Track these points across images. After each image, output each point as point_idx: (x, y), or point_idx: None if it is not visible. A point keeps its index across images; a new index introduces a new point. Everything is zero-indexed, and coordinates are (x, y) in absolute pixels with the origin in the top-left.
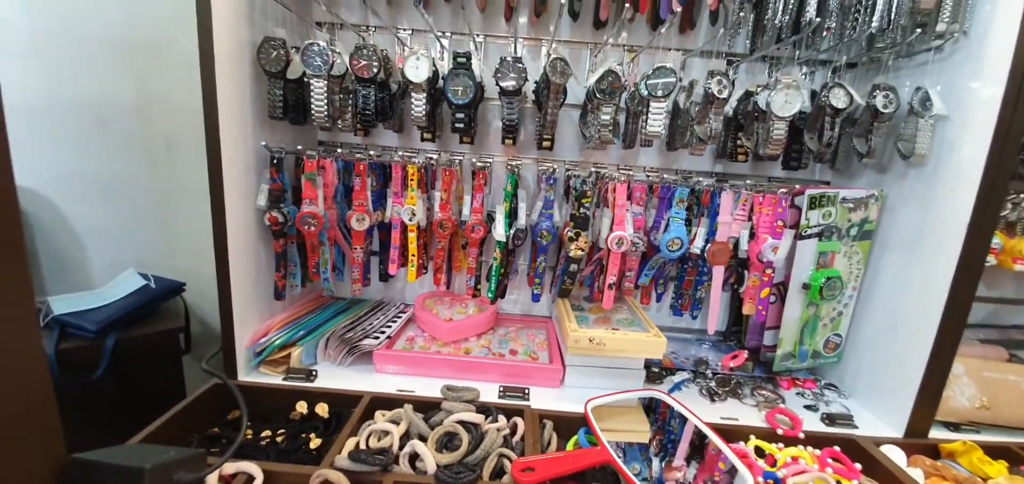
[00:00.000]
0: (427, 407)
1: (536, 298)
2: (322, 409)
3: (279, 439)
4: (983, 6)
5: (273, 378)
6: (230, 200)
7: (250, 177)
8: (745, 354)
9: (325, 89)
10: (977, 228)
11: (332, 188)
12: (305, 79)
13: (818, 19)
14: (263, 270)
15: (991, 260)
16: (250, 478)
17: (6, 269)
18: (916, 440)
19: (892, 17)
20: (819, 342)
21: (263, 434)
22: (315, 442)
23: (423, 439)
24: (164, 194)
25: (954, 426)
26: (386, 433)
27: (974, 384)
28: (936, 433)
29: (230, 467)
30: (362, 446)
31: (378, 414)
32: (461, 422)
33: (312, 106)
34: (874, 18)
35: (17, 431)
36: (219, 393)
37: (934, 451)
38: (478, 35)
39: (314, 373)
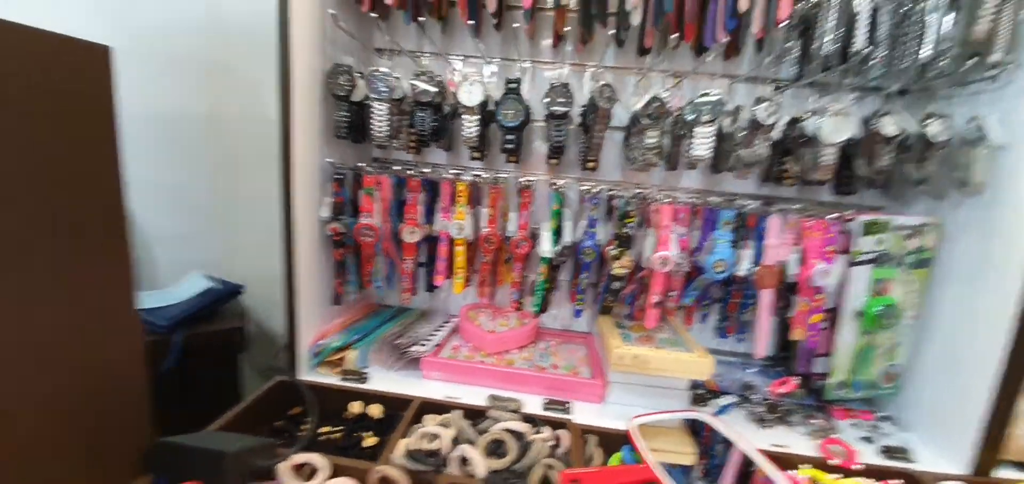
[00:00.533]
0: (473, 415)
1: (578, 314)
2: (375, 409)
3: (335, 436)
4: None
5: (329, 378)
6: (298, 211)
7: (314, 191)
8: (795, 381)
9: (387, 111)
10: None
11: (387, 203)
12: (366, 102)
13: (868, 49)
14: (324, 277)
15: None
16: (314, 469)
17: (117, 273)
18: (980, 479)
19: (943, 47)
20: (875, 372)
21: (322, 430)
22: (370, 440)
23: (470, 444)
24: (227, 204)
25: (1021, 465)
26: (436, 436)
27: None
28: (1003, 472)
29: (298, 458)
30: (413, 447)
31: (427, 418)
32: (508, 430)
33: (373, 126)
34: (925, 48)
35: (117, 413)
36: (282, 389)
37: None
38: (526, 61)
39: (367, 376)
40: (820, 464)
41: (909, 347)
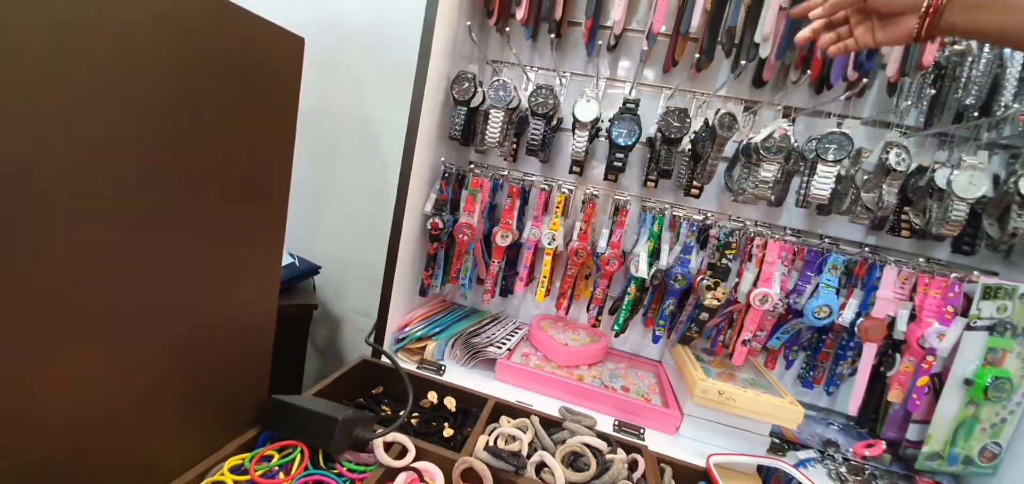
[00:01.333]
0: (546, 424)
1: (656, 339)
2: (450, 402)
3: (413, 420)
4: None
5: (409, 364)
6: (409, 203)
7: (423, 186)
8: (883, 445)
9: (501, 119)
10: None
11: (484, 205)
12: (481, 108)
13: (1016, 106)
14: (416, 268)
15: None
16: (404, 450)
17: (272, 238)
18: None
19: None
20: (974, 448)
21: (400, 413)
22: (448, 431)
23: (549, 453)
24: (317, 191)
25: None
26: (514, 438)
27: None
28: None
29: (390, 437)
30: (491, 445)
31: (503, 419)
32: (586, 445)
33: (487, 132)
34: None
35: (245, 367)
36: (366, 367)
37: None
38: (635, 83)
39: (443, 367)
40: None
41: (1015, 425)
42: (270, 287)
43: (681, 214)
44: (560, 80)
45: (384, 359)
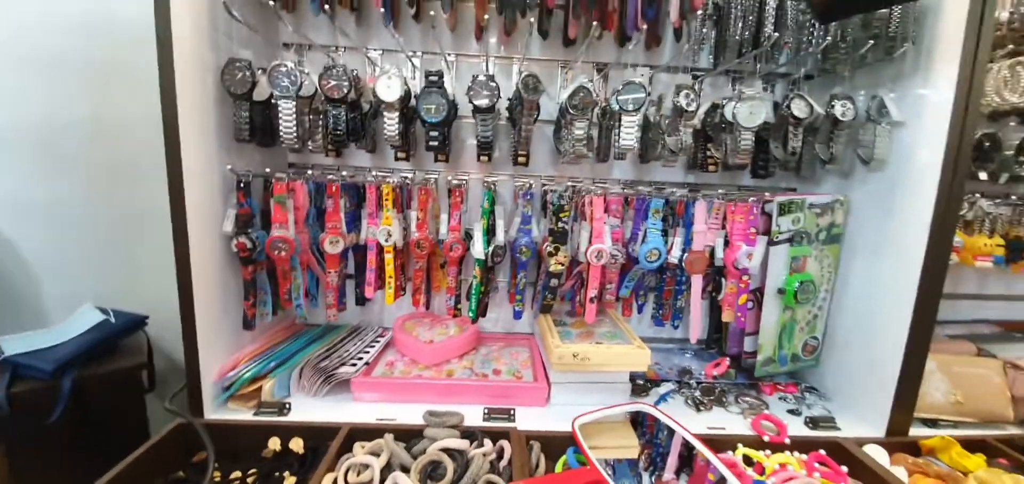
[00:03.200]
0: (409, 435)
1: (518, 315)
2: (297, 444)
3: (249, 480)
4: (928, 17)
5: (243, 414)
6: (194, 226)
7: (216, 202)
8: (727, 361)
9: (294, 110)
10: (939, 228)
11: (304, 211)
12: (273, 101)
13: (776, 34)
14: (231, 299)
15: (953, 258)
16: None
17: None
18: (897, 438)
19: (844, 31)
20: (797, 346)
21: (232, 476)
22: (289, 481)
23: (405, 470)
24: (124, 222)
25: (932, 422)
26: (366, 466)
27: (946, 379)
28: (915, 431)
29: None
30: (340, 482)
31: (357, 447)
32: (445, 449)
33: (281, 128)
34: (828, 33)
35: None
36: (184, 433)
37: (915, 448)
38: (449, 54)
39: (288, 406)
40: (755, 442)
41: (825, 319)
42: None
43: (517, 185)
44: (367, 59)
45: (180, 419)
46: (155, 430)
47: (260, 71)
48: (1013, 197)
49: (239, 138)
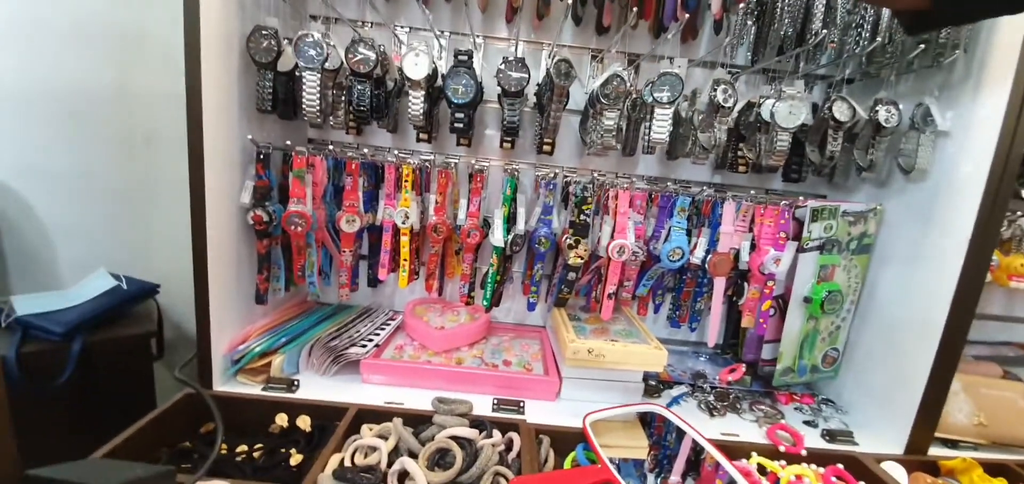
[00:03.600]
0: (418, 421)
1: (532, 307)
2: (304, 422)
3: (256, 455)
4: (983, 27)
5: (251, 388)
6: (211, 196)
7: (234, 173)
8: (743, 368)
9: (318, 83)
10: (978, 245)
11: (322, 187)
12: (297, 72)
13: (825, 32)
14: (245, 272)
15: (987, 277)
16: None
17: None
18: (916, 457)
19: (892, 34)
20: (817, 356)
21: (239, 449)
22: (296, 458)
23: (413, 456)
24: (141, 190)
25: (952, 443)
26: (374, 449)
27: (971, 401)
28: (935, 450)
29: None
30: (347, 463)
31: (365, 428)
32: (454, 437)
33: (303, 100)
34: (876, 35)
35: None
36: (192, 404)
37: (934, 468)
38: (479, 35)
39: (296, 383)
40: (769, 451)
41: (848, 330)
42: None
43: (540, 175)
44: (395, 35)
45: (188, 389)
46: (161, 399)
47: (286, 41)
48: None
49: (261, 108)
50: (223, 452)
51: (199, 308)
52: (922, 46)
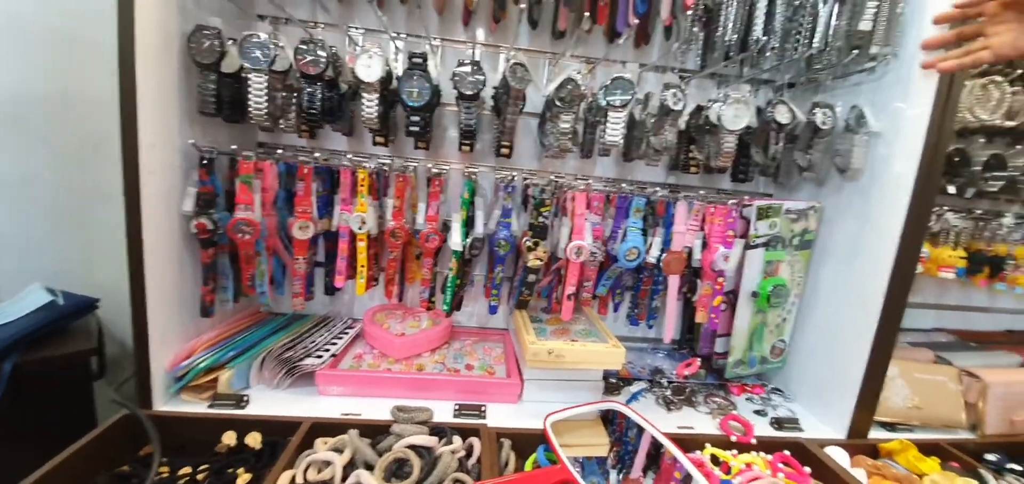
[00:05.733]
0: (375, 431)
1: (493, 310)
2: (254, 439)
3: (200, 477)
4: (912, 30)
5: (197, 406)
6: (149, 204)
7: (176, 179)
8: (698, 362)
9: (265, 85)
10: (909, 238)
11: (272, 193)
12: (243, 74)
13: (765, 38)
14: (188, 283)
15: (918, 268)
16: None
17: None
18: (857, 441)
19: (829, 40)
20: (766, 348)
21: (181, 472)
22: (244, 478)
23: (370, 468)
24: (80, 200)
25: (890, 426)
26: (327, 464)
27: (907, 385)
28: (875, 433)
29: None
30: (299, 480)
31: (318, 442)
32: (412, 446)
33: (250, 103)
34: (814, 41)
35: None
36: (131, 425)
37: (874, 451)
38: (436, 38)
39: (246, 399)
40: (722, 442)
41: (793, 322)
42: None
43: (499, 177)
44: (348, 37)
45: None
46: (103, 420)
47: (231, 41)
48: (978, 211)
49: (204, 111)
50: (164, 475)
51: (136, 323)
52: (856, 51)
